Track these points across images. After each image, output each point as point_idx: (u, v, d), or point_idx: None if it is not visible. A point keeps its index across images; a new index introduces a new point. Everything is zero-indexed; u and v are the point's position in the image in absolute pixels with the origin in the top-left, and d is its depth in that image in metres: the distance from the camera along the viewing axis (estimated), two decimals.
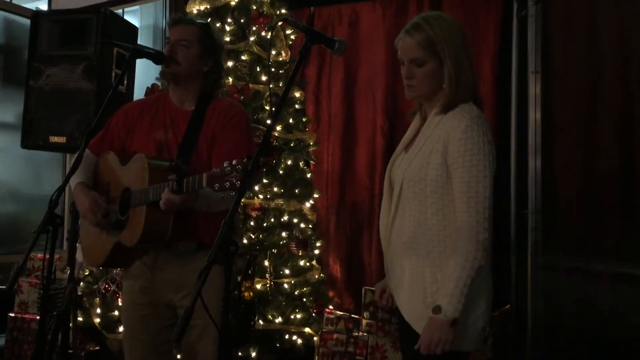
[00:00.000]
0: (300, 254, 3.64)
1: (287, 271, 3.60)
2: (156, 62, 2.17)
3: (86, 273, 3.64)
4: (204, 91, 2.24)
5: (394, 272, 1.87)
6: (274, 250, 3.56)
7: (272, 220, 3.61)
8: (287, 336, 3.52)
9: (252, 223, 3.54)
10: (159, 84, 3.87)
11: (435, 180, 1.74)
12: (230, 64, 3.69)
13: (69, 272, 2.75)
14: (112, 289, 3.50)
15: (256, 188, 3.58)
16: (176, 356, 2.75)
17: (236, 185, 1.66)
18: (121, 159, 2.18)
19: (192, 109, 2.20)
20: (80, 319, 3.40)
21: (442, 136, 1.75)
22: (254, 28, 3.76)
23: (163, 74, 2.22)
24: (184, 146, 2.12)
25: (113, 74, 3.20)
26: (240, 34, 3.77)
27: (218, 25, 3.77)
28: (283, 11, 3.89)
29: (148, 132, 2.20)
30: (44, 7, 4.87)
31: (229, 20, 3.78)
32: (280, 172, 3.70)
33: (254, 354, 3.33)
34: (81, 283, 3.53)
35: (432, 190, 1.75)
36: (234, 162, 1.69)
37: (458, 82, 1.77)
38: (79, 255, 2.48)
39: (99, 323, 3.49)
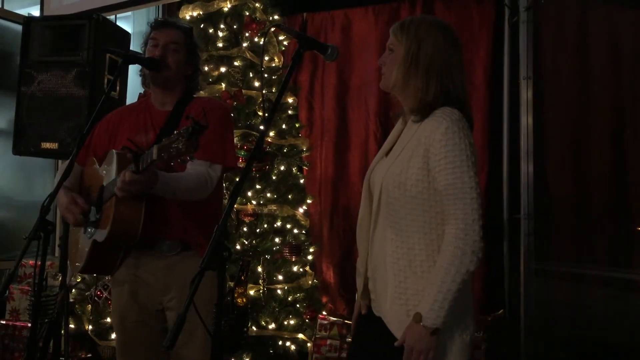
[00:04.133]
0: (293, 259, 3.64)
1: (280, 277, 3.60)
2: (149, 68, 2.17)
3: (78, 280, 3.62)
4: (185, 93, 2.24)
5: (376, 281, 1.77)
6: (267, 256, 3.55)
7: (265, 226, 3.61)
8: (280, 342, 3.51)
9: (245, 229, 3.54)
10: None
11: (415, 186, 1.66)
12: (223, 69, 3.70)
13: (60, 279, 2.74)
14: (104, 295, 3.48)
15: (249, 194, 3.58)
16: None
17: (182, 150, 1.61)
18: (100, 162, 2.18)
19: (171, 109, 2.19)
20: (72, 326, 3.39)
21: (422, 140, 1.67)
22: (247, 34, 3.77)
23: (154, 79, 2.16)
24: (159, 142, 2.12)
25: (105, 80, 3.18)
26: (233, 39, 3.78)
27: (211, 31, 3.77)
28: (276, 17, 3.90)
29: (130, 135, 2.16)
30: (36, 12, 4.85)
31: (222, 26, 3.79)
32: (274, 177, 3.70)
33: None
34: (73, 290, 3.51)
35: (412, 196, 1.66)
36: (181, 129, 1.64)
37: (405, 83, 1.71)
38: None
39: (91, 330, 3.47)
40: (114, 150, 2.07)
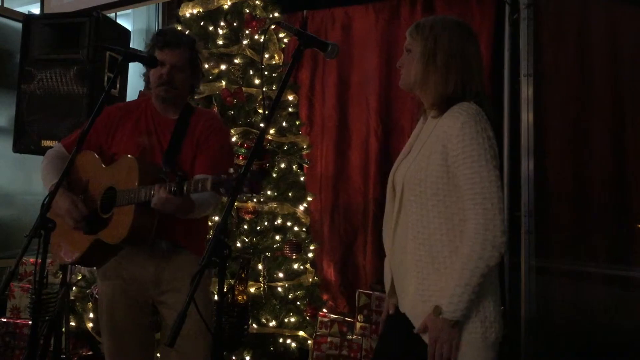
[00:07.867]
0: (294, 257, 3.64)
1: (281, 275, 3.60)
2: (149, 65, 2.18)
3: (79, 277, 3.62)
4: (187, 102, 2.33)
5: (400, 278, 1.78)
6: (268, 254, 3.55)
7: (266, 223, 3.61)
8: (281, 340, 3.51)
9: (245, 226, 3.54)
10: None
11: (435, 182, 1.67)
12: (223, 67, 3.69)
13: (61, 276, 2.74)
14: None
15: None
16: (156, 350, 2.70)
17: (244, 192, 1.63)
18: (102, 159, 2.21)
19: (176, 117, 2.27)
20: (72, 323, 3.39)
21: (440, 136, 1.68)
22: (247, 31, 3.76)
23: (163, 99, 2.24)
24: (170, 152, 2.18)
25: (105, 78, 3.18)
26: (234, 37, 3.77)
27: (211, 28, 3.77)
28: (276, 15, 3.89)
29: (131, 136, 2.23)
30: (36, 10, 4.85)
31: (222, 23, 3.78)
32: (274, 175, 3.70)
33: (247, 358, 3.32)
34: (73, 288, 3.52)
35: (433, 193, 1.67)
36: (248, 171, 1.66)
37: (424, 79, 1.74)
38: None
39: (92, 328, 3.47)
40: (134, 158, 2.09)
